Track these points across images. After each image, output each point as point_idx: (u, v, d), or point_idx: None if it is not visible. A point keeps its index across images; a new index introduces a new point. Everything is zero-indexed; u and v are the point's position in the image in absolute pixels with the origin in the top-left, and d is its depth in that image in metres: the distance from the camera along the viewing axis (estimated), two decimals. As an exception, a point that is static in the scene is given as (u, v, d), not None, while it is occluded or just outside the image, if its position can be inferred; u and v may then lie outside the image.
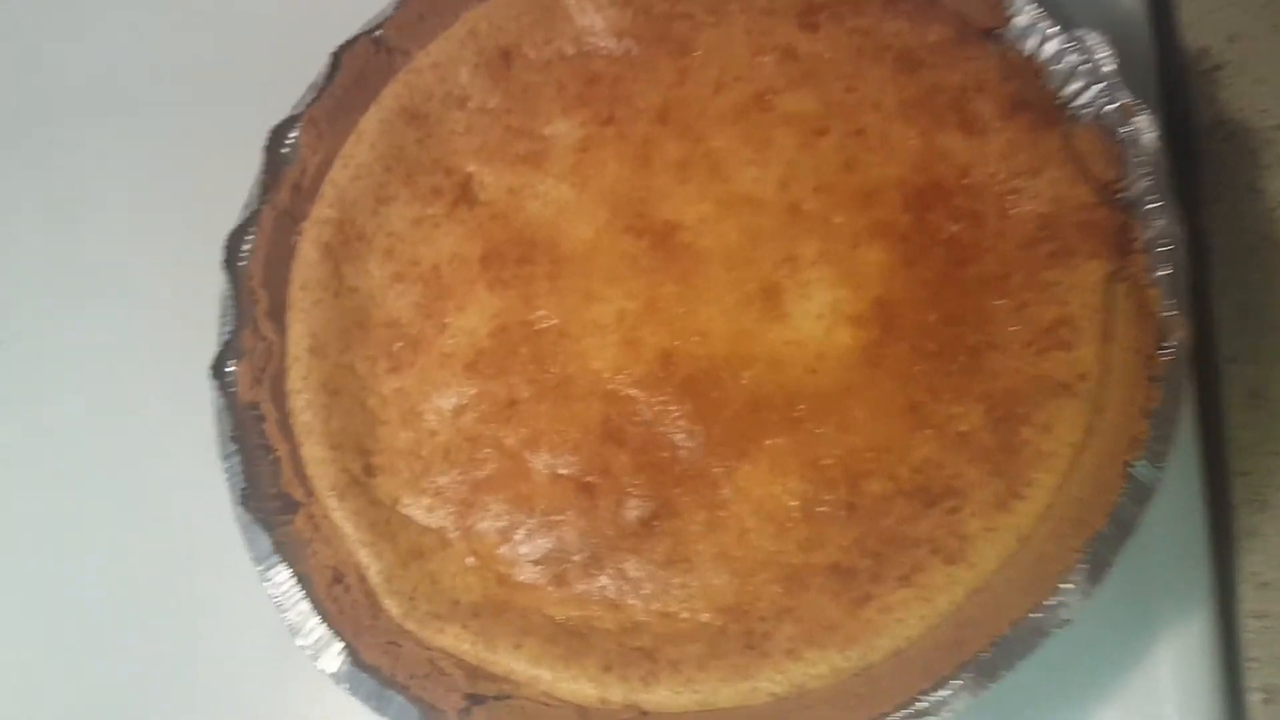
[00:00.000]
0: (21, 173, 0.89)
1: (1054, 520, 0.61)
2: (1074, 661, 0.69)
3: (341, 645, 0.65)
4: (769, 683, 0.61)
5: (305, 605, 0.67)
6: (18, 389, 0.85)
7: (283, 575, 0.67)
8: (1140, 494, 0.60)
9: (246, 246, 0.74)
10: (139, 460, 0.80)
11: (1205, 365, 0.74)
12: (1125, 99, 0.68)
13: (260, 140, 0.75)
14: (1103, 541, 0.59)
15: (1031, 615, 0.58)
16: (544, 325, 0.72)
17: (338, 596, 0.67)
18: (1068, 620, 0.58)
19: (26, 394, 0.84)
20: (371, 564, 0.68)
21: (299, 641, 0.66)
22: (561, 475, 0.68)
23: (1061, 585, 0.59)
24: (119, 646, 0.77)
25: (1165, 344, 0.63)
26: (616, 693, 0.63)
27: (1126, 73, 0.70)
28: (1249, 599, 0.70)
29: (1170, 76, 0.79)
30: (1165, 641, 0.69)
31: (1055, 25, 0.71)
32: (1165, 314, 0.63)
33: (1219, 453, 0.73)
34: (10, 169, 0.89)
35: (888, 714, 0.58)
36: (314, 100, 0.76)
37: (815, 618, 0.62)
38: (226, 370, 0.72)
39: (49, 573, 0.80)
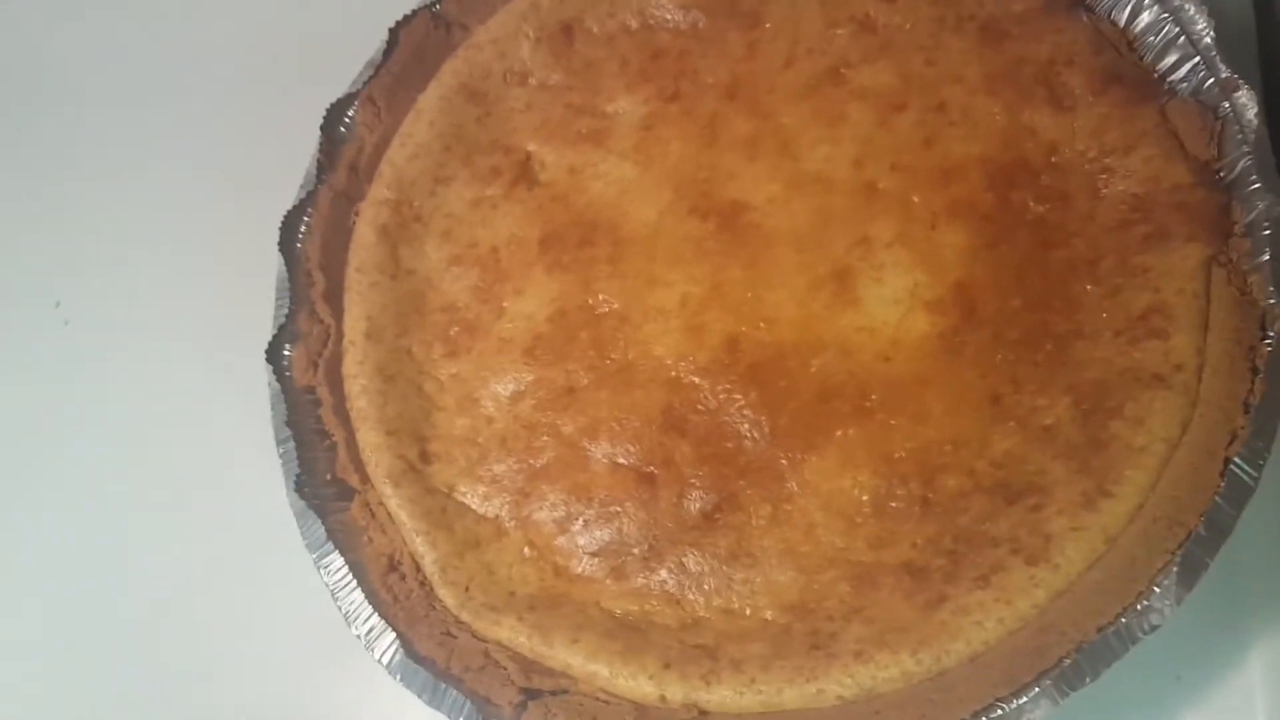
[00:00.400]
0: (83, 157, 0.89)
1: (1145, 520, 0.58)
2: (1162, 666, 0.65)
3: (395, 636, 0.64)
4: (837, 685, 0.58)
5: (359, 594, 0.65)
6: (76, 370, 0.85)
7: (337, 563, 0.66)
8: (1238, 494, 0.56)
9: (304, 228, 0.73)
10: (194, 444, 0.80)
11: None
12: (1225, 74, 0.64)
13: (318, 119, 0.74)
14: (1197, 543, 0.55)
15: (1119, 620, 0.55)
16: (604, 310, 0.69)
17: (392, 585, 0.66)
18: (1157, 626, 0.55)
19: (85, 376, 0.84)
20: (427, 553, 0.66)
21: (353, 631, 0.65)
22: (621, 465, 0.66)
23: (1152, 588, 0.55)
24: (170, 631, 0.77)
25: (1268, 334, 0.59)
26: (676, 691, 0.60)
27: (1225, 45, 0.65)
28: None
29: (1271, 49, 0.74)
30: (1257, 648, 0.65)
31: (1149, -6, 0.67)
32: (1268, 301, 0.59)
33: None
34: (72, 153, 0.89)
35: (963, 721, 0.56)
36: (372, 77, 0.75)
37: (886, 619, 0.59)
38: (283, 354, 0.71)
39: (102, 558, 0.80)
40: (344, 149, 0.74)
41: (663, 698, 0.61)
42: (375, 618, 0.64)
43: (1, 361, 0.86)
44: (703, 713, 0.60)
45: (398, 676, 0.63)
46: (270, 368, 0.70)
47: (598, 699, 0.61)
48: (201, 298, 0.81)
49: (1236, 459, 0.57)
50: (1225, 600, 0.65)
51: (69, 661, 0.78)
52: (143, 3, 0.90)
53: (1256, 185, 0.61)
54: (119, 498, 0.80)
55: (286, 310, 0.71)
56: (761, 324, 0.67)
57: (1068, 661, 0.55)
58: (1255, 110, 0.62)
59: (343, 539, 0.66)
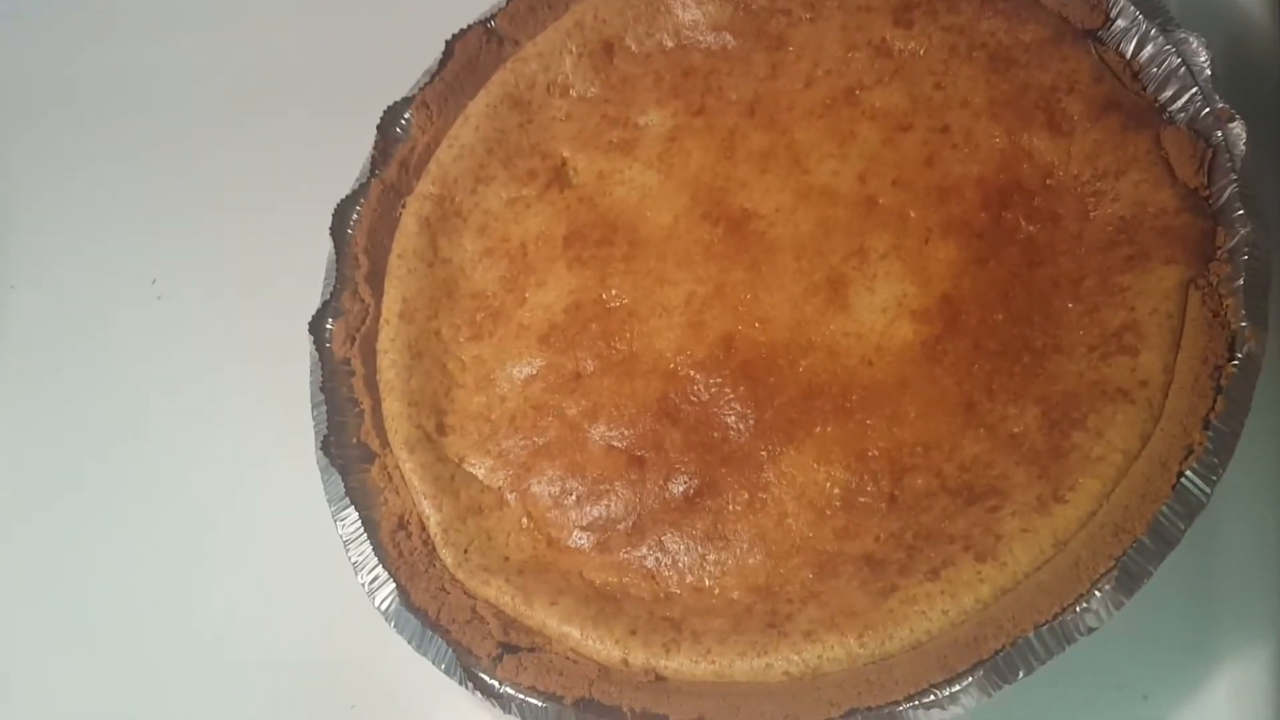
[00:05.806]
0: (181, 157, 1.01)
1: (1096, 527, 0.59)
2: (1130, 684, 0.66)
3: (394, 586, 0.69)
4: (784, 661, 0.61)
5: (368, 547, 0.71)
6: (165, 336, 0.95)
7: (351, 518, 0.72)
8: (1188, 506, 0.57)
9: (354, 216, 0.80)
10: (246, 401, 0.89)
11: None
12: (1220, 104, 0.65)
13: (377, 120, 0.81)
14: (1140, 551, 0.57)
15: (1057, 619, 0.57)
16: (615, 304, 0.74)
17: (399, 542, 0.71)
18: (1094, 628, 0.56)
19: (170, 340, 0.94)
20: (432, 515, 0.72)
21: (359, 579, 0.70)
22: (615, 448, 0.70)
23: (1093, 592, 0.57)
24: (206, 568, 0.85)
25: (1236, 355, 0.60)
26: (638, 656, 0.64)
27: (1226, 77, 0.67)
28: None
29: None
30: (1226, 670, 0.66)
31: (1155, 27, 0.69)
32: (1240, 324, 0.60)
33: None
34: (171, 154, 1.02)
35: (897, 703, 0.58)
36: (427, 84, 0.82)
37: (839, 603, 0.62)
38: (325, 327, 0.78)
39: (157, 491, 0.90)
40: (398, 147, 0.81)
41: (625, 661, 0.64)
42: (379, 569, 0.70)
43: (105, 327, 0.97)
44: (659, 678, 0.63)
45: (392, 623, 0.68)
46: (312, 338, 0.77)
47: (567, 658, 0.66)
48: (266, 275, 0.90)
49: (1189, 472, 0.58)
50: (1194, 621, 0.65)
51: (114, 572, 0.88)
52: (243, 27, 1.03)
53: (1240, 212, 0.63)
54: (178, 439, 0.90)
55: (332, 289, 0.78)
56: (757, 324, 0.70)
57: (1001, 655, 0.57)
58: (1245, 140, 0.64)
59: (359, 497, 0.72)
